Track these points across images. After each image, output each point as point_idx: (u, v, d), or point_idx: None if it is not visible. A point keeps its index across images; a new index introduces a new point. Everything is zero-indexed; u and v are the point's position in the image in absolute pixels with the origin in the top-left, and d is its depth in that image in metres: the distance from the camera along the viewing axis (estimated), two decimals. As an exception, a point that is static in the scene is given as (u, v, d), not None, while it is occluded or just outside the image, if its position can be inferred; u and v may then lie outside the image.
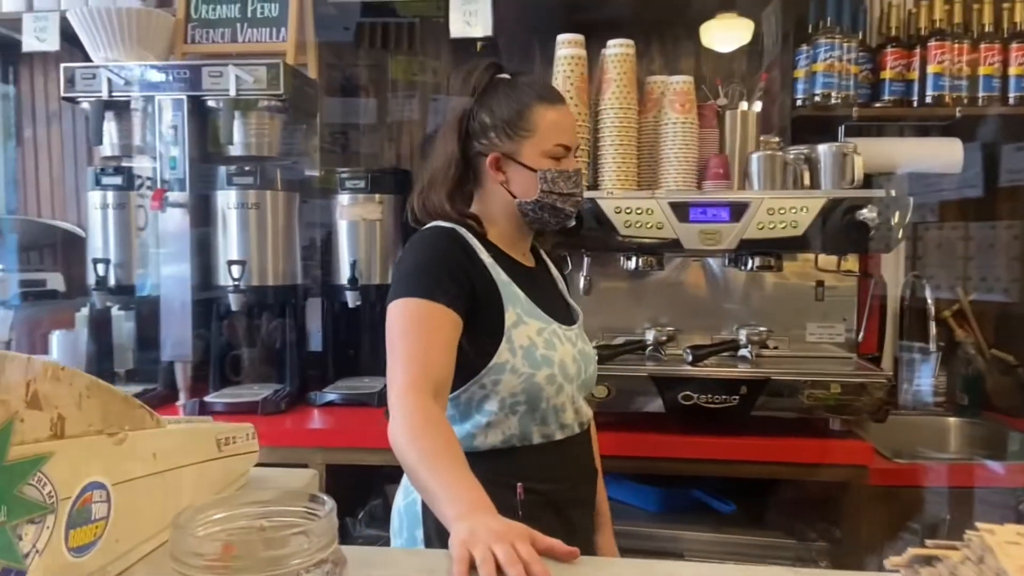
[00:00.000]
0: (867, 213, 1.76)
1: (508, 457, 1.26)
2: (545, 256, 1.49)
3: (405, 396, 1.13)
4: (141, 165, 2.25)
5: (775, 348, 2.03)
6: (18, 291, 2.57)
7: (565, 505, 1.29)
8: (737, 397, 1.83)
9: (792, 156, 1.97)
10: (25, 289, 2.58)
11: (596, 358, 1.40)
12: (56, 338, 2.32)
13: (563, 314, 1.37)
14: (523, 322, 1.26)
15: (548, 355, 1.25)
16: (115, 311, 2.28)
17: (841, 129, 2.39)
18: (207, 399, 2.09)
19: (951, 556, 0.72)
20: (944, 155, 2.27)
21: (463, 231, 1.30)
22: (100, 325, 2.27)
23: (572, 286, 2.01)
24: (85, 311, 2.36)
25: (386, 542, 1.85)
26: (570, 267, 2.04)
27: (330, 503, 0.57)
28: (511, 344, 1.23)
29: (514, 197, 1.31)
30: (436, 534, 1.19)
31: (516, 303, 1.27)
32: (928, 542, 0.74)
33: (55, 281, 2.60)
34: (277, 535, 0.56)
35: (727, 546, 1.87)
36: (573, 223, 1.48)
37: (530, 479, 1.25)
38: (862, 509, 1.82)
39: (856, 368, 1.92)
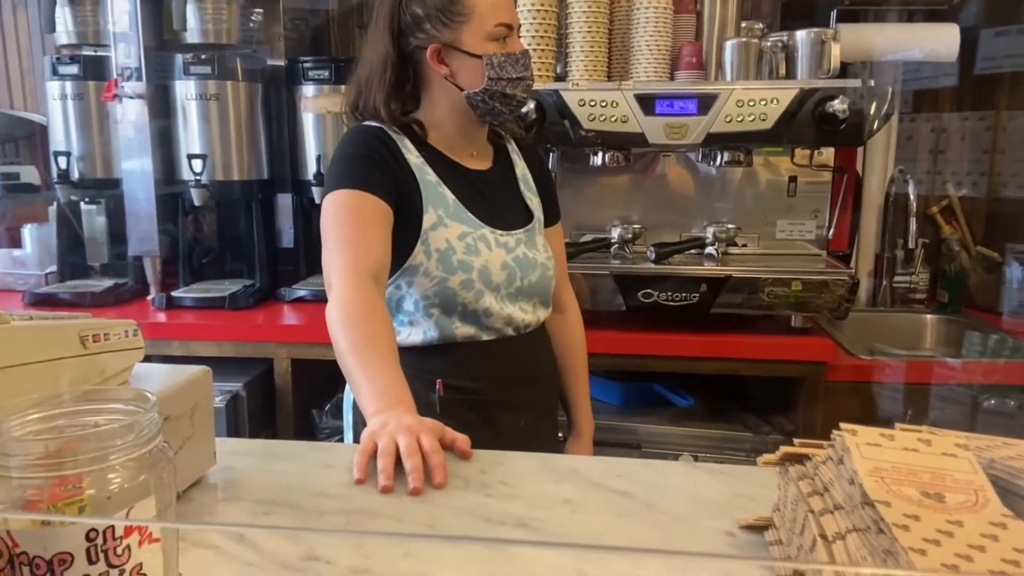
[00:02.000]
0: (837, 105, 1.67)
1: (430, 354, 1.26)
2: (516, 156, 1.41)
3: (344, 280, 1.12)
4: (103, 54, 2.19)
5: (743, 246, 2.00)
6: (-3, 184, 2.57)
7: (490, 406, 1.28)
8: (697, 295, 1.81)
9: (769, 44, 1.86)
10: (2, 182, 2.57)
11: (546, 265, 1.33)
12: (28, 231, 2.33)
13: (511, 219, 1.32)
14: (443, 224, 1.23)
15: (467, 260, 1.23)
16: (84, 205, 2.27)
17: (833, 14, 2.26)
18: (175, 294, 2.11)
19: (818, 455, 0.71)
20: (939, 42, 2.14)
21: (389, 130, 1.26)
22: (68, 219, 2.27)
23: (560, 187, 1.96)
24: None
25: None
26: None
27: (153, 399, 0.56)
28: (427, 246, 1.22)
29: (461, 90, 1.25)
30: (361, 420, 1.22)
31: (440, 204, 1.24)
32: (796, 441, 0.73)
33: (29, 174, 2.58)
34: (99, 431, 0.55)
35: (685, 439, 1.90)
36: (526, 110, 1.42)
37: (451, 377, 1.26)
38: (819, 404, 1.83)
39: (823, 265, 1.88)
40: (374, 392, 1.03)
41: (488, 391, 1.28)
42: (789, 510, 0.72)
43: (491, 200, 1.31)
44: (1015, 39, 2.23)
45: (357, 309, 1.10)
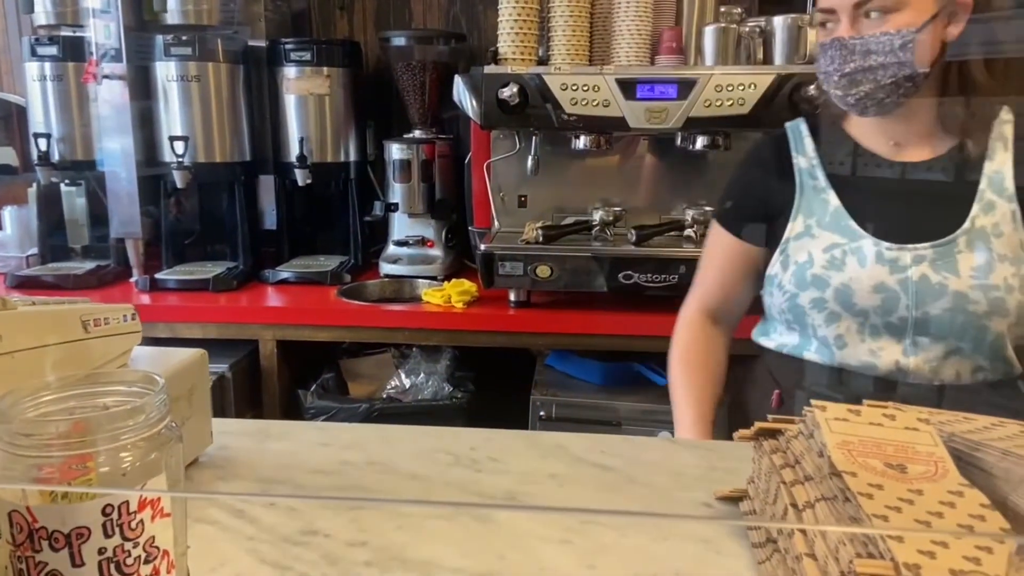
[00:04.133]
0: (812, 90, 1.71)
1: (778, 362, 1.22)
2: (1000, 145, 1.11)
3: (682, 314, 1.35)
4: (81, 35, 2.17)
5: (721, 228, 2.04)
6: (-29, 166, 2.54)
7: None
8: (676, 276, 1.85)
9: (747, 29, 1.89)
10: (-22, 164, 2.54)
11: (963, 295, 1.05)
12: (7, 214, 2.31)
13: (925, 227, 1.09)
14: (811, 235, 1.13)
15: (823, 276, 1.11)
16: (64, 187, 2.25)
17: (810, -2, 2.29)
18: (159, 276, 2.11)
19: (790, 429, 0.75)
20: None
21: (798, 131, 1.21)
22: (49, 201, 2.26)
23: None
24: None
25: (336, 413, 1.93)
26: (517, 147, 2.01)
27: (161, 381, 0.59)
28: (785, 256, 1.16)
29: None
30: None
31: (815, 212, 1.14)
32: (770, 416, 0.77)
33: (6, 155, 2.55)
34: (112, 412, 0.58)
35: (662, 415, 1.94)
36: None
37: (792, 392, 1.18)
38: (793, 383, 1.88)
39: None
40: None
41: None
42: (763, 481, 0.76)
43: (909, 203, 1.12)
44: (982, 26, 2.28)
45: (679, 344, 1.33)
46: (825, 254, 1.11)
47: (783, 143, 1.22)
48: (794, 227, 1.15)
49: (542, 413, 1.94)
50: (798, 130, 1.23)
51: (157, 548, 0.58)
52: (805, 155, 1.19)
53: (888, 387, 1.09)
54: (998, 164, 1.10)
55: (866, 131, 1.16)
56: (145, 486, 0.56)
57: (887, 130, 1.15)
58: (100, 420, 0.57)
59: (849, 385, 1.13)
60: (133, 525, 0.56)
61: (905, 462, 0.66)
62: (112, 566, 0.55)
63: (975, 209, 1.08)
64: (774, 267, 1.18)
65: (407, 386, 2.07)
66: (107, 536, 0.55)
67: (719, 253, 1.28)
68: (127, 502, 0.55)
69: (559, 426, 1.93)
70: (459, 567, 0.70)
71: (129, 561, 0.56)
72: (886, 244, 1.08)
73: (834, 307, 1.10)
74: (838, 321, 1.10)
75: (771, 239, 1.19)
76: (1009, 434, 0.74)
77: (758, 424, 0.78)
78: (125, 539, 0.55)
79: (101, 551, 0.55)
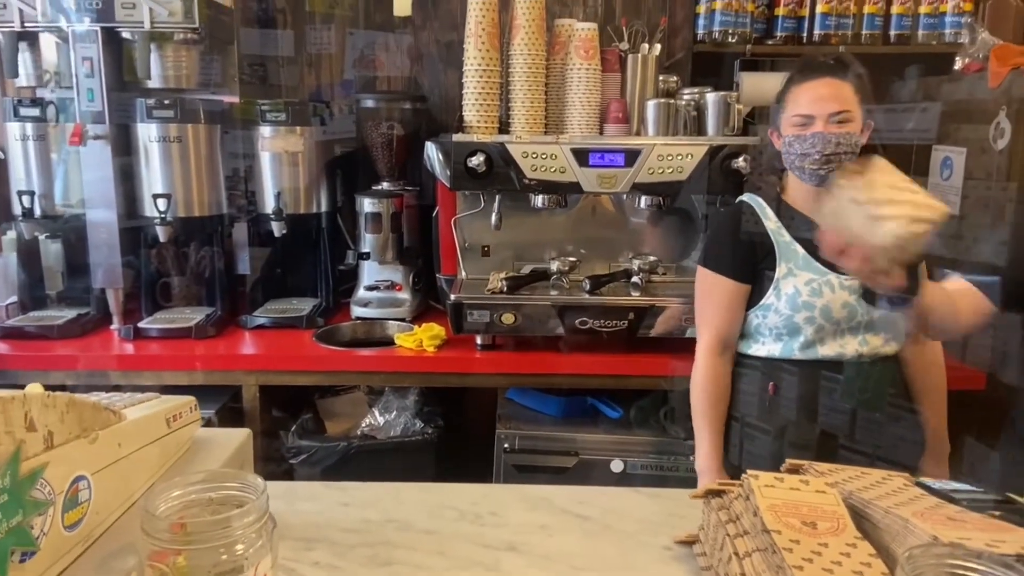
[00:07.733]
0: (740, 162, 1.97)
1: (769, 365, 1.66)
2: None
3: (702, 352, 1.69)
4: (58, 96, 2.27)
5: (663, 275, 2.28)
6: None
7: (810, 413, 1.63)
8: (626, 321, 2.08)
9: (684, 102, 2.14)
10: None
11: None
12: (-16, 263, 2.38)
13: None
14: (793, 274, 1.61)
15: (810, 301, 1.59)
16: (41, 237, 2.34)
17: (736, 64, 2.56)
18: (141, 325, 2.23)
19: (732, 491, 0.97)
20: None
21: (757, 202, 1.69)
22: (29, 254, 2.34)
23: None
24: (11, 234, 2.41)
25: (316, 452, 2.08)
26: (482, 204, 2.21)
27: (262, 484, 0.77)
28: (778, 291, 1.62)
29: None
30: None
31: (791, 259, 1.63)
32: (718, 481, 0.99)
33: (-26, 203, 2.61)
34: (225, 514, 0.75)
35: (615, 444, 2.17)
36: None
37: (781, 383, 1.65)
38: (728, 414, 2.13)
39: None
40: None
41: (807, 398, 1.63)
42: (711, 531, 0.98)
43: None
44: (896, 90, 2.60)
45: (705, 378, 1.68)
46: (807, 286, 1.60)
47: (751, 212, 1.69)
48: (780, 270, 1.62)
49: (506, 445, 2.14)
50: (757, 202, 1.71)
51: (265, 611, 0.75)
52: (770, 220, 1.68)
53: (839, 367, 1.61)
54: None
55: (800, 198, 1.67)
56: (258, 568, 0.74)
57: (820, 195, 1.58)
58: (227, 520, 0.74)
59: (819, 372, 1.63)
60: (252, 596, 0.73)
61: (816, 520, 0.88)
62: (235, 628, 0.73)
63: None
64: (769, 298, 1.63)
65: (381, 423, 2.24)
66: (235, 606, 0.72)
67: (721, 295, 1.67)
68: (246, 578, 0.73)
69: (522, 457, 2.14)
70: (481, 610, 0.90)
71: (247, 623, 0.74)
72: (844, 276, 1.58)
73: (820, 321, 1.59)
74: (823, 329, 1.60)
75: (756, 278, 1.65)
76: (894, 488, 0.98)
77: (707, 486, 1.00)
78: (247, 607, 0.73)
79: (228, 617, 0.72)
